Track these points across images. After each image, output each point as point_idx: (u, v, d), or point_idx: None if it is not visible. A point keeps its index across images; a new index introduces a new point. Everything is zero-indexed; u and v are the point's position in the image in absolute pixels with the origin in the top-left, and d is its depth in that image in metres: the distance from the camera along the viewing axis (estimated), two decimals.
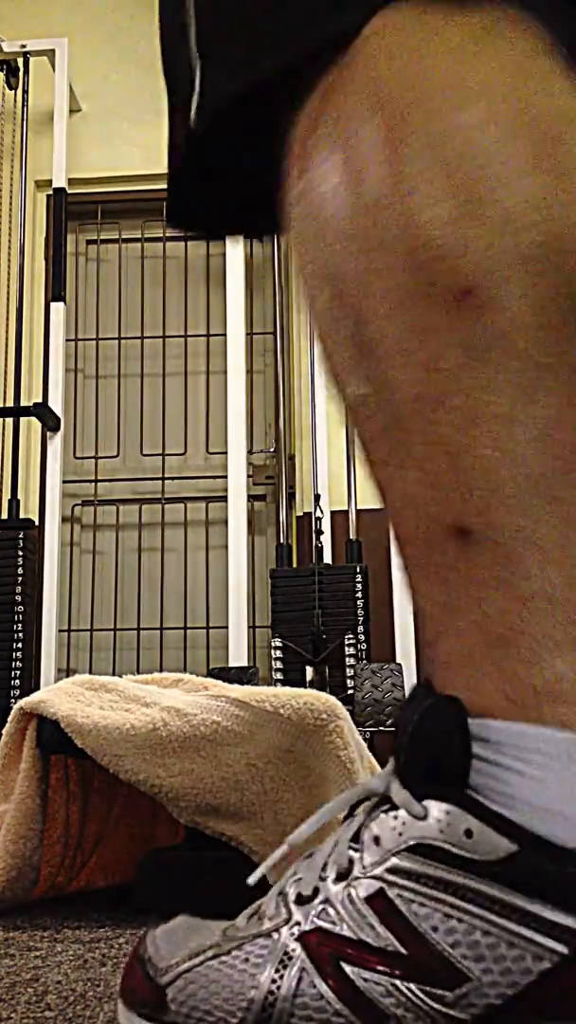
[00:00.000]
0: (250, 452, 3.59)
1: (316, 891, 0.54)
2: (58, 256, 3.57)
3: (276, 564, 3.41)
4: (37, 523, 3.46)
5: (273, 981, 0.51)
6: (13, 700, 3.01)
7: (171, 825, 1.37)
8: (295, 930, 0.53)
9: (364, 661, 3.03)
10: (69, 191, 3.66)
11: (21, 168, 3.74)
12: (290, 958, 0.52)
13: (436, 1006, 0.48)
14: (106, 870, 1.36)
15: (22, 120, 3.72)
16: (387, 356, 0.51)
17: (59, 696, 1.17)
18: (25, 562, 3.22)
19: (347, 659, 3.07)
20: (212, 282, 3.90)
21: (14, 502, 3.35)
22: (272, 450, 3.70)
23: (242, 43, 0.58)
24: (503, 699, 0.50)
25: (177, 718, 1.15)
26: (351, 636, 3.05)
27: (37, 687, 3.16)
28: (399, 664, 2.96)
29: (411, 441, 0.51)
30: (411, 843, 0.50)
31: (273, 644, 3.18)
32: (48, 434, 3.47)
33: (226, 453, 3.41)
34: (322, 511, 3.30)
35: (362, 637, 3.08)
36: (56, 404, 3.45)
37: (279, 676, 3.12)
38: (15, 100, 3.77)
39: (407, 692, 2.87)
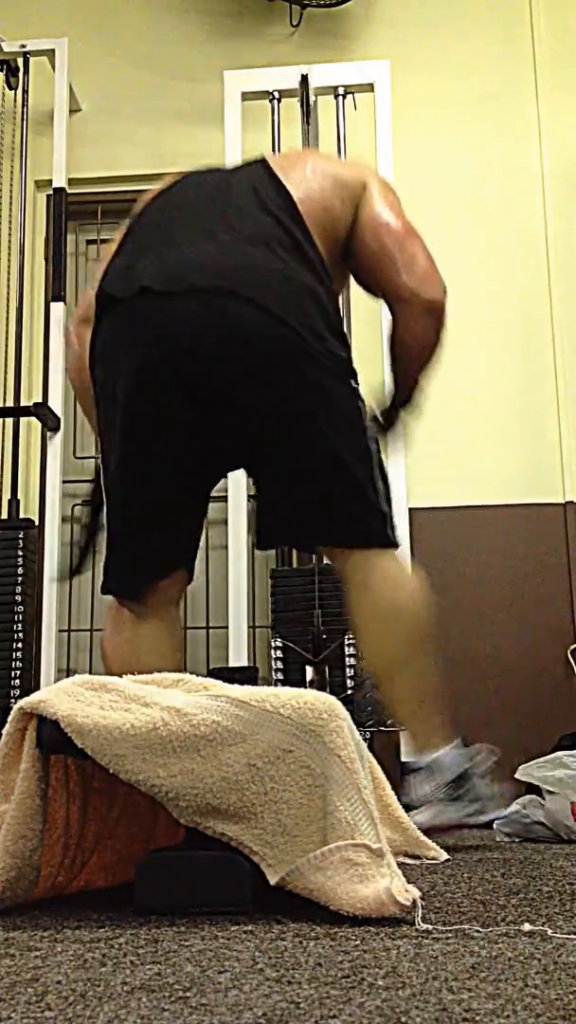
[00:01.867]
0: None
1: None
2: (58, 256, 3.57)
3: (276, 564, 3.41)
4: (37, 523, 3.46)
5: None
6: (13, 700, 3.01)
7: (171, 825, 1.37)
8: None
9: (364, 661, 3.03)
10: (69, 191, 3.66)
11: (21, 168, 3.74)
12: None
13: None
14: (106, 870, 1.36)
15: (22, 120, 3.72)
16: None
17: (59, 696, 1.17)
18: (25, 562, 3.22)
19: (347, 659, 3.07)
20: None
21: (14, 502, 3.35)
22: None
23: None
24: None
25: (177, 718, 1.15)
26: (351, 636, 3.05)
27: (37, 687, 3.16)
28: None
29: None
30: None
31: (273, 644, 3.18)
32: (48, 434, 3.47)
33: None
34: None
35: None
36: (56, 404, 3.45)
37: (279, 676, 3.12)
38: (15, 100, 3.77)
39: None
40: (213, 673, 2.96)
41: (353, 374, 1.92)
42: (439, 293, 2.02)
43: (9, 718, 1.18)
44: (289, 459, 1.85)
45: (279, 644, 3.14)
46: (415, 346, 2.05)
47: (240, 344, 1.78)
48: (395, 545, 1.91)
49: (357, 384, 1.92)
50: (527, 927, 0.99)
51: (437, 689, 1.94)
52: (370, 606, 1.87)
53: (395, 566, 1.90)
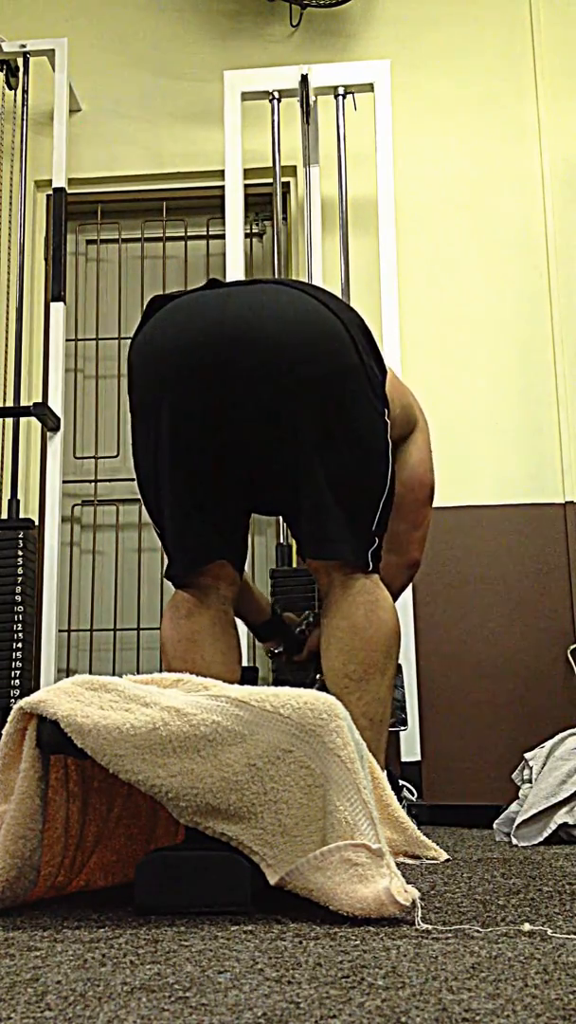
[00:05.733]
0: None
1: None
2: (58, 256, 3.57)
3: (276, 564, 3.41)
4: (37, 523, 3.46)
5: None
6: (13, 700, 3.01)
7: (171, 825, 1.38)
8: None
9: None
10: (69, 191, 3.66)
11: (21, 168, 3.74)
12: None
13: None
14: (106, 870, 1.36)
15: (22, 120, 3.72)
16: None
17: (59, 696, 1.17)
18: (25, 562, 3.22)
19: None
20: None
21: (14, 502, 3.35)
22: None
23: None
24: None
25: (177, 718, 1.15)
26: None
27: (37, 687, 3.16)
28: (399, 664, 2.95)
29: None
30: None
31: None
32: (48, 434, 3.47)
33: None
34: None
35: None
36: (56, 404, 3.45)
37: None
38: (15, 100, 3.77)
39: (406, 691, 2.85)
40: None
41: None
42: (421, 556, 2.22)
43: (9, 718, 1.18)
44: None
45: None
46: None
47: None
48: (375, 570, 1.93)
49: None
50: (527, 927, 0.99)
51: (386, 719, 1.95)
52: (346, 625, 1.89)
53: (376, 590, 1.92)
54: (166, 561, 2.04)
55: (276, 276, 3.65)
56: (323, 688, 2.00)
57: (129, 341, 2.04)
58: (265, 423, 1.86)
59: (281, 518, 3.42)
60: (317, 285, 2.03)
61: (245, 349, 1.85)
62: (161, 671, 1.81)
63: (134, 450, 2.04)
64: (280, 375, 1.84)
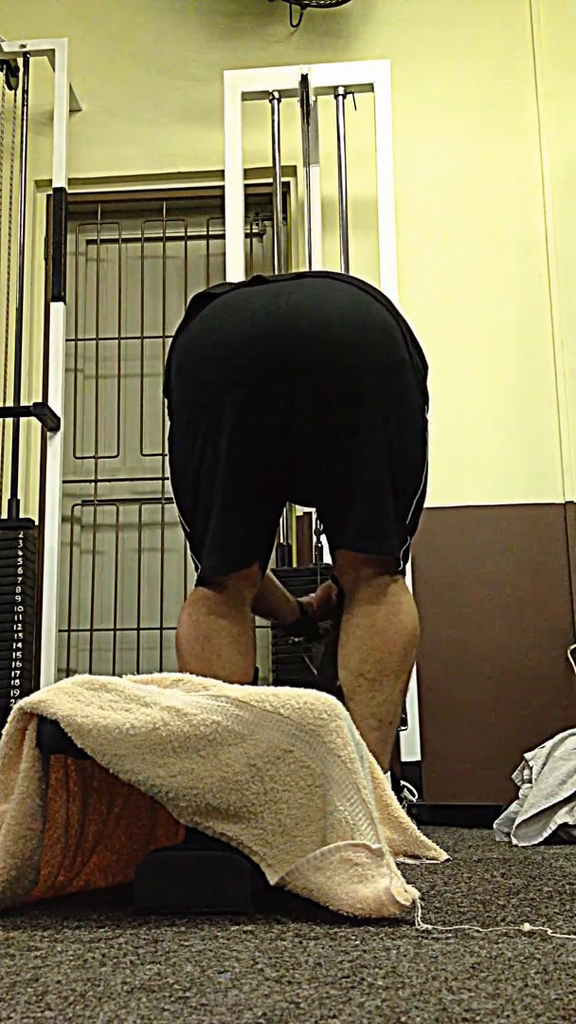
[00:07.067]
0: None
1: None
2: (58, 256, 3.57)
3: (276, 564, 3.41)
4: (37, 523, 3.46)
5: None
6: (13, 700, 3.01)
7: (171, 825, 1.37)
8: None
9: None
10: (69, 191, 3.66)
11: (21, 168, 3.74)
12: None
13: None
14: (106, 870, 1.36)
15: (22, 120, 3.72)
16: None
17: (59, 696, 1.17)
18: (25, 562, 3.22)
19: None
20: (212, 281, 3.91)
21: (14, 502, 3.35)
22: None
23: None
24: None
25: (177, 718, 1.15)
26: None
27: (37, 687, 3.16)
28: None
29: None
30: None
31: (273, 644, 3.17)
32: (48, 434, 3.47)
33: None
34: None
35: None
36: (56, 404, 3.45)
37: (279, 676, 3.11)
38: (15, 100, 3.77)
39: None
40: None
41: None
42: None
43: (9, 718, 1.18)
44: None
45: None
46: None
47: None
48: (402, 571, 1.95)
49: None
50: (527, 927, 0.99)
51: (395, 722, 1.94)
52: (366, 624, 1.89)
53: (401, 593, 1.93)
54: (182, 558, 2.04)
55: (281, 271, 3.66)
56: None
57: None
58: (325, 417, 1.85)
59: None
60: (361, 278, 2.02)
61: (304, 343, 1.84)
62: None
63: (171, 447, 2.00)
64: (341, 367, 1.84)
